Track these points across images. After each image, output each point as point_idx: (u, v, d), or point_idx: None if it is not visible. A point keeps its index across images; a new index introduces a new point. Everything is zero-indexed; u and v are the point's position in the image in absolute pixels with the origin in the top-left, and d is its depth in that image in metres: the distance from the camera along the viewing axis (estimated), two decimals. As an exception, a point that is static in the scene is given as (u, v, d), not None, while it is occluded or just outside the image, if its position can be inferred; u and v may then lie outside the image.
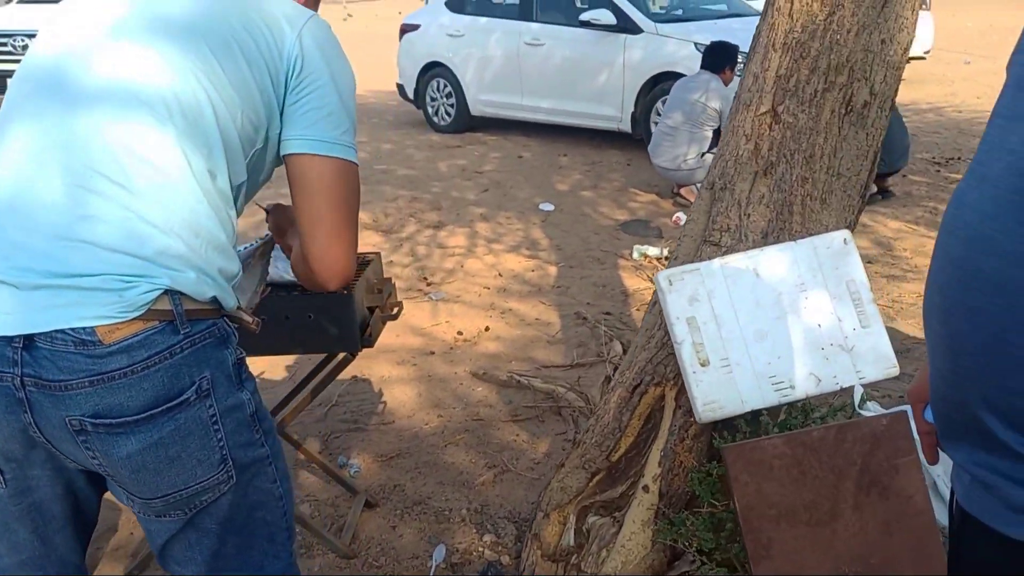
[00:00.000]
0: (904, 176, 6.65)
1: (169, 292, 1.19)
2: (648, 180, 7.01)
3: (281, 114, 1.35)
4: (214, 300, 1.27)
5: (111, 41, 1.27)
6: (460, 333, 4.12)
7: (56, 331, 1.14)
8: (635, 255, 5.21)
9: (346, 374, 3.69)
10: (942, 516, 2.07)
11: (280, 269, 2.26)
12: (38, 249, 1.17)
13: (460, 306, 4.49)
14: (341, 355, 2.40)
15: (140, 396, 1.18)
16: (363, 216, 6.20)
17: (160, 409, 1.19)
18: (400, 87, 10.14)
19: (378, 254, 2.58)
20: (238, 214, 1.40)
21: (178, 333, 1.20)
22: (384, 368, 3.77)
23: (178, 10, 1.30)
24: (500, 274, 4.97)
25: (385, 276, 2.62)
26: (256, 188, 1.47)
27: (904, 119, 6.28)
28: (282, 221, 1.66)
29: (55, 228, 1.17)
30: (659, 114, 7.31)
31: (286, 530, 1.43)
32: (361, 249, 5.54)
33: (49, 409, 1.18)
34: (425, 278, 4.95)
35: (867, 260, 4.94)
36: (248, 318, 1.39)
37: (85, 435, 1.19)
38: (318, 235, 1.35)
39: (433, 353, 3.92)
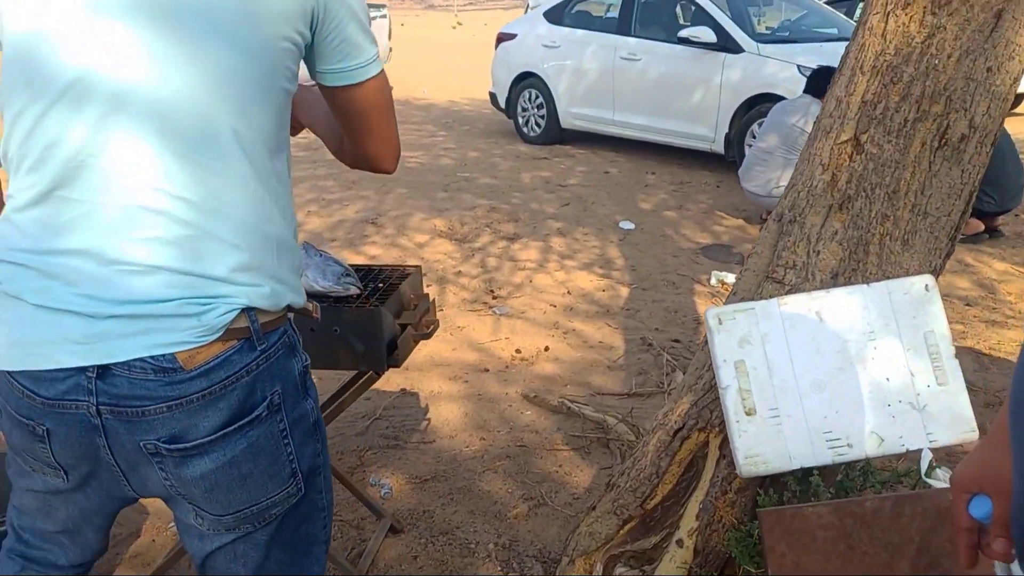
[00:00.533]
0: (1017, 216, 6.19)
1: (246, 310, 1.16)
2: (736, 204, 6.74)
3: (310, 51, 1.29)
4: (287, 307, 1.25)
5: (110, 24, 1.14)
6: (518, 351, 3.98)
7: (135, 360, 1.11)
8: (713, 281, 4.97)
9: (394, 386, 3.60)
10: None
11: (309, 278, 2.17)
12: (101, 276, 1.12)
13: (523, 323, 4.34)
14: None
15: (215, 416, 1.17)
16: (438, 223, 6.14)
17: (233, 428, 1.18)
18: (492, 96, 10.09)
19: (418, 268, 2.46)
20: None
21: (255, 350, 1.18)
22: (435, 382, 3.66)
23: None
24: (569, 292, 4.80)
25: (426, 292, 2.50)
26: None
27: (1021, 155, 5.84)
28: (305, 98, 1.55)
29: (114, 254, 1.11)
30: (754, 137, 7.03)
31: (324, 543, 1.42)
32: (430, 256, 5.45)
33: (124, 435, 1.17)
34: (492, 291, 4.82)
35: (966, 303, 4.58)
36: (310, 307, 1.38)
37: (160, 458, 1.18)
38: (371, 142, 1.40)
39: (487, 371, 3.79)
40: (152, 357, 1.12)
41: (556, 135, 9.27)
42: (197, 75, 1.14)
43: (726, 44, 7.61)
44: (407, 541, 2.53)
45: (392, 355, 2.19)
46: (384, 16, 14.63)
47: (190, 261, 1.13)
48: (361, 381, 2.37)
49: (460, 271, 5.17)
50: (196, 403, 1.15)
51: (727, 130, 7.59)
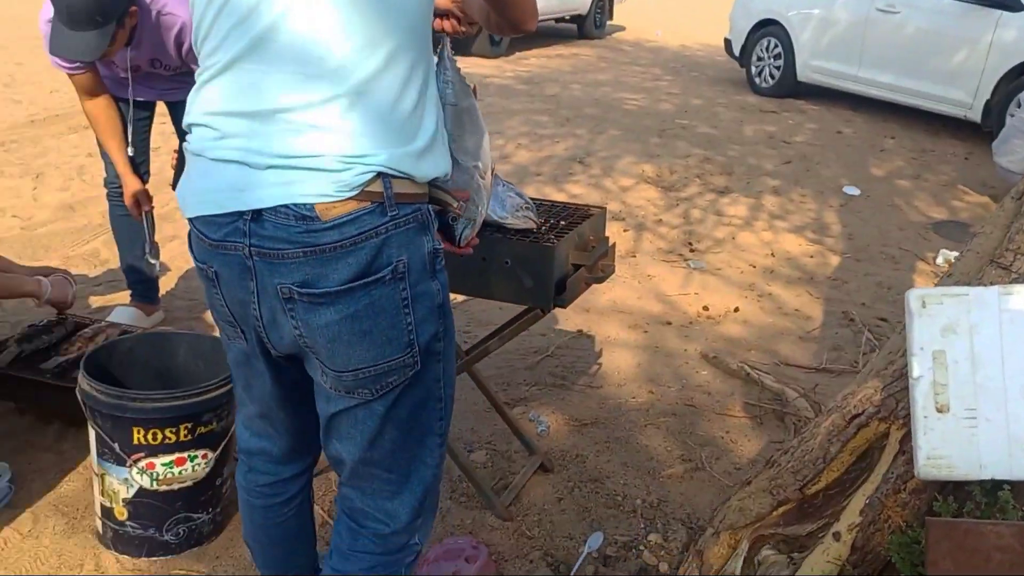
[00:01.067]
0: None
1: (382, 175, 1.26)
2: (984, 180, 6.06)
3: None
4: (427, 190, 1.34)
5: None
6: (706, 308, 3.80)
7: (281, 206, 1.24)
8: (939, 261, 4.51)
9: (571, 326, 3.55)
10: None
11: (489, 207, 2.12)
12: (265, 133, 1.25)
13: (716, 279, 4.14)
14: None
15: (344, 270, 1.26)
16: (647, 168, 5.97)
17: (358, 283, 1.27)
18: (727, 42, 9.62)
19: (603, 210, 2.36)
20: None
21: (385, 215, 1.27)
22: (613, 328, 3.57)
23: None
24: (773, 253, 4.52)
25: (606, 235, 2.39)
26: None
27: None
28: None
29: (284, 114, 1.25)
30: (1019, 107, 6.27)
31: (438, 436, 1.48)
32: (632, 201, 5.31)
33: (266, 277, 1.29)
34: (690, 243, 4.63)
35: None
36: (453, 201, 1.46)
37: (292, 303, 1.29)
38: (515, 10, 1.53)
39: (670, 324, 3.65)
40: (295, 204, 1.24)
41: (790, 88, 8.71)
42: None
43: (1005, 0, 6.79)
44: (554, 482, 2.49)
45: (560, 295, 2.12)
46: (626, -46, 14.27)
47: (340, 125, 1.24)
48: (527, 317, 2.33)
49: (661, 219, 5.00)
50: (328, 253, 1.25)
51: (988, 96, 6.79)
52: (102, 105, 3.00)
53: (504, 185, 2.21)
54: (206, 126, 1.32)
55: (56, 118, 6.39)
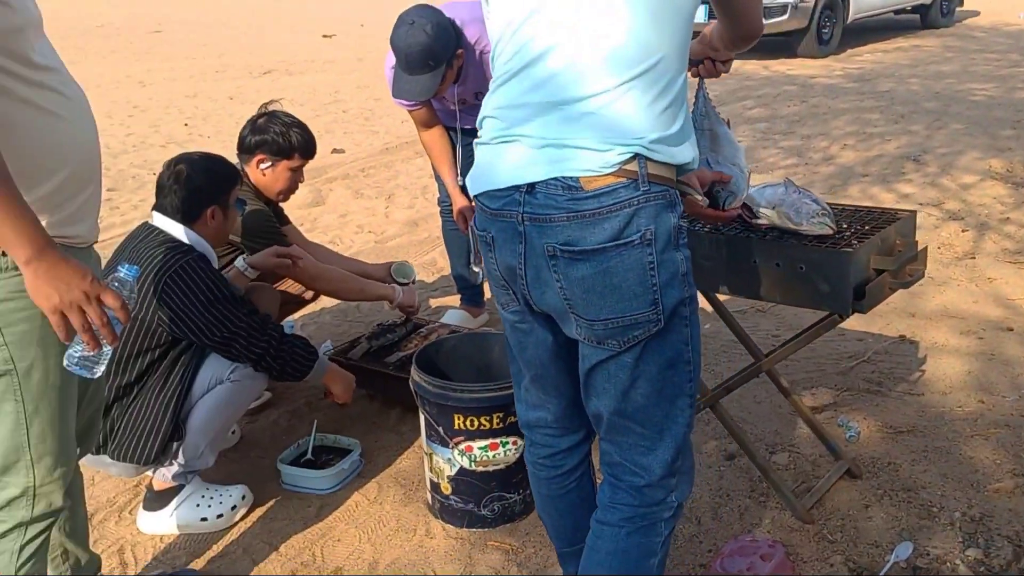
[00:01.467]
0: None
1: (638, 156, 1.46)
2: None
3: None
4: (677, 168, 1.53)
5: None
6: (1057, 314, 3.39)
7: (551, 179, 1.47)
8: None
9: (893, 330, 3.36)
10: None
11: (783, 213, 2.12)
12: (544, 119, 1.50)
13: (1073, 283, 3.67)
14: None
15: (599, 233, 1.46)
16: (994, 164, 5.42)
17: (611, 244, 1.47)
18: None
19: (913, 213, 2.25)
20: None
21: (638, 190, 1.46)
22: (941, 334, 3.31)
23: None
24: None
25: (916, 240, 2.26)
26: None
27: None
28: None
29: (561, 106, 1.49)
30: None
31: (688, 397, 1.62)
32: (974, 199, 4.91)
33: (535, 238, 1.51)
34: (1042, 243, 4.14)
35: None
36: (699, 197, 1.71)
37: (555, 260, 1.50)
38: (747, 23, 1.75)
39: (1011, 330, 3.30)
40: (564, 177, 1.46)
41: None
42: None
43: None
44: (861, 488, 2.38)
45: (860, 300, 2.06)
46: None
47: (608, 114, 1.46)
48: (825, 321, 2.27)
49: (1008, 218, 4.52)
50: (588, 218, 1.46)
51: None
52: (436, 135, 3.39)
53: (800, 192, 2.19)
54: (494, 118, 1.57)
55: (405, 144, 7.21)
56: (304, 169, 2.99)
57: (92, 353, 1.52)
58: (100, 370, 1.55)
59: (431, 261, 4.55)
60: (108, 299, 1.49)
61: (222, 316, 2.33)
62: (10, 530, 1.65)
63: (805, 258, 2.06)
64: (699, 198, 1.72)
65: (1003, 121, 6.55)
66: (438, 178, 3.55)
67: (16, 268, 1.51)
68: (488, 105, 1.61)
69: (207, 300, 2.31)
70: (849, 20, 10.51)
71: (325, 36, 15.07)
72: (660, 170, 1.49)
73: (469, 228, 3.47)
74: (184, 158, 2.49)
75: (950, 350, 3.19)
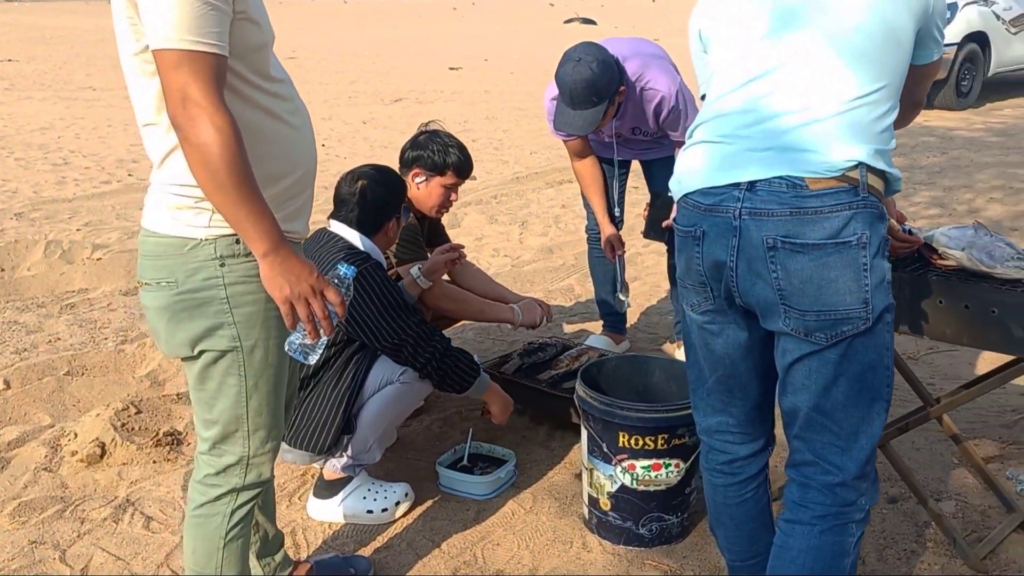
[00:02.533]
0: None
1: (860, 164, 1.58)
2: None
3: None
4: (887, 184, 1.66)
5: None
6: None
7: (776, 177, 1.59)
8: None
9: (1058, 388, 3.22)
10: None
11: (975, 256, 2.09)
12: (773, 129, 1.63)
13: None
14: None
15: (819, 230, 1.57)
16: None
17: (831, 242, 1.57)
18: None
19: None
20: None
21: (858, 195, 1.58)
22: (1112, 396, 3.16)
23: None
24: None
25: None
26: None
27: None
28: None
29: (787, 115, 1.63)
30: None
31: (885, 401, 1.67)
32: None
33: (753, 231, 1.61)
34: None
35: None
36: (895, 212, 1.90)
37: (774, 251, 1.59)
38: (918, 95, 1.91)
39: None
40: (790, 176, 1.58)
41: None
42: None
43: None
44: (1037, 544, 2.30)
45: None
46: None
47: (835, 128, 1.59)
48: (1013, 368, 2.22)
49: None
50: (809, 215, 1.56)
51: None
52: (588, 165, 3.46)
53: (992, 236, 2.16)
54: (710, 122, 1.70)
55: (536, 175, 7.34)
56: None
57: (311, 342, 1.63)
58: (315, 357, 1.65)
59: (568, 288, 4.61)
60: (330, 295, 1.61)
61: (394, 322, 2.42)
62: (224, 494, 1.77)
63: (999, 301, 2.02)
64: (892, 221, 1.82)
65: None
66: (587, 206, 3.61)
67: (247, 255, 1.63)
68: (708, 111, 1.74)
69: (382, 305, 2.42)
70: (990, 73, 10.20)
71: (452, 69, 15.50)
72: (876, 182, 1.61)
73: (616, 257, 3.52)
74: (363, 174, 2.62)
75: (1124, 412, 3.04)
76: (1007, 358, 2.36)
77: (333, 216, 2.59)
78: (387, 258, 2.92)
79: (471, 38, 25.46)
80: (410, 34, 27.50)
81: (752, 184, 1.60)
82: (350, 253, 2.49)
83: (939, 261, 2.14)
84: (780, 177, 1.58)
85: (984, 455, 2.77)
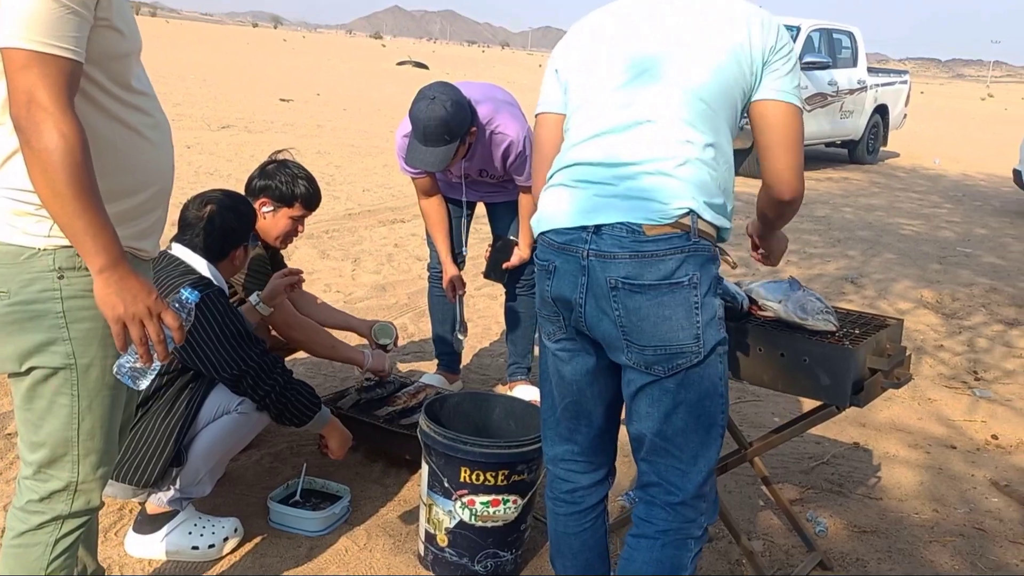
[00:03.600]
0: None
1: (691, 213, 1.72)
2: None
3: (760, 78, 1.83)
4: (717, 231, 1.80)
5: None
6: (995, 437, 3.64)
7: (618, 223, 1.72)
8: None
9: (847, 437, 3.55)
10: None
11: (790, 308, 2.28)
12: (621, 176, 1.76)
13: (1006, 410, 3.95)
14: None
15: (655, 271, 1.71)
16: (926, 294, 5.82)
17: (665, 282, 1.72)
18: (1017, 173, 9.18)
19: (900, 321, 2.44)
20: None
21: (689, 240, 1.72)
22: (892, 445, 3.52)
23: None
24: (1072, 391, 4.24)
25: (903, 345, 2.45)
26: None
27: None
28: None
29: (632, 166, 1.76)
30: None
31: (721, 427, 1.83)
32: (911, 325, 5.19)
33: (599, 272, 1.74)
34: (975, 372, 4.45)
35: None
36: (729, 258, 1.96)
37: (616, 291, 1.73)
38: (778, 159, 1.84)
39: (954, 448, 3.54)
40: (629, 223, 1.71)
41: (1090, 223, 8.12)
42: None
43: None
44: (834, 580, 2.51)
45: (857, 394, 2.21)
46: (905, 83, 14.03)
47: (668, 174, 1.73)
48: (820, 413, 2.42)
49: (942, 345, 4.84)
50: (646, 258, 1.71)
51: None
52: (435, 203, 3.51)
53: (804, 290, 2.37)
54: (568, 167, 1.84)
55: (368, 212, 7.31)
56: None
57: (142, 366, 1.56)
58: (145, 383, 1.58)
59: (401, 326, 4.60)
60: (168, 318, 1.55)
61: (235, 352, 2.35)
62: (48, 522, 1.65)
63: (810, 351, 2.21)
64: (731, 261, 1.99)
65: (930, 256, 7.04)
66: (430, 244, 3.65)
67: (88, 269, 1.55)
68: (564, 157, 1.86)
69: (223, 334, 2.34)
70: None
71: (283, 100, 15.21)
72: (706, 228, 1.76)
73: (456, 297, 3.57)
74: (212, 198, 2.54)
75: (901, 460, 3.39)
76: (811, 406, 2.58)
77: (176, 239, 2.49)
78: (231, 287, 2.83)
79: (302, 71, 25.07)
80: (238, 60, 26.70)
81: (598, 228, 1.73)
82: (194, 280, 2.39)
83: (758, 312, 2.33)
84: (621, 223, 1.72)
85: (788, 498, 3.00)
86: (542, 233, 1.85)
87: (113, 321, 1.51)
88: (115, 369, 1.56)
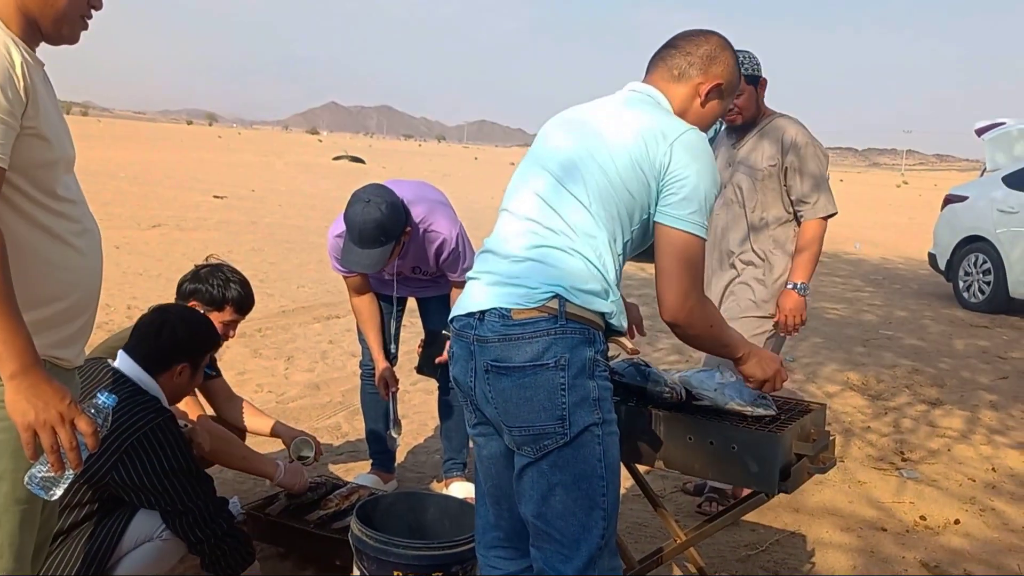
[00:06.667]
0: None
1: (558, 297, 1.78)
2: None
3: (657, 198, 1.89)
4: (599, 314, 1.83)
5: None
6: (923, 518, 3.71)
7: (492, 308, 1.81)
8: None
9: (783, 524, 3.58)
10: None
11: (726, 395, 2.32)
12: (500, 262, 1.87)
13: (933, 491, 4.04)
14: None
15: (522, 354, 1.77)
16: (852, 376, 5.97)
17: (529, 365, 1.77)
18: (932, 257, 9.59)
19: (823, 406, 2.51)
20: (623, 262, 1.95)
21: (556, 323, 1.77)
22: (825, 530, 3.56)
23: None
24: (994, 468, 4.36)
25: (827, 430, 2.52)
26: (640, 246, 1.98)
27: None
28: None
29: (515, 253, 1.86)
30: None
31: (602, 509, 1.82)
32: (838, 407, 5.29)
33: (479, 356, 1.82)
34: (902, 452, 4.56)
35: None
36: (628, 344, 2.05)
37: (488, 374, 1.81)
38: (661, 281, 1.88)
39: (885, 530, 3.59)
40: (500, 308, 1.80)
41: (1002, 304, 8.51)
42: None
43: None
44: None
45: (784, 481, 2.25)
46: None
47: (541, 263, 1.81)
48: (751, 501, 2.45)
49: (869, 427, 4.96)
50: (513, 341, 1.77)
51: None
52: (367, 301, 3.53)
53: (737, 377, 2.42)
54: (482, 253, 1.94)
55: (303, 309, 7.26)
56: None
57: (54, 475, 1.52)
58: (58, 493, 1.55)
59: (335, 425, 4.54)
60: (81, 424, 1.52)
61: (181, 488, 2.29)
62: None
63: (738, 438, 2.24)
64: (628, 346, 2.05)
65: (855, 339, 7.26)
66: (362, 341, 3.64)
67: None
68: (481, 247, 1.99)
69: (172, 468, 2.28)
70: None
71: (216, 197, 15.18)
72: (579, 311, 1.80)
73: (390, 394, 3.56)
74: (167, 308, 2.52)
75: (835, 545, 3.43)
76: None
77: (126, 348, 2.43)
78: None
79: (237, 167, 25.08)
80: (172, 158, 26.62)
81: (482, 314, 1.83)
82: (143, 403, 2.31)
83: (696, 403, 2.36)
84: (494, 308, 1.80)
85: (725, 587, 3.00)
86: (449, 320, 1.95)
87: (23, 428, 1.48)
88: (26, 479, 1.52)
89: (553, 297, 1.77)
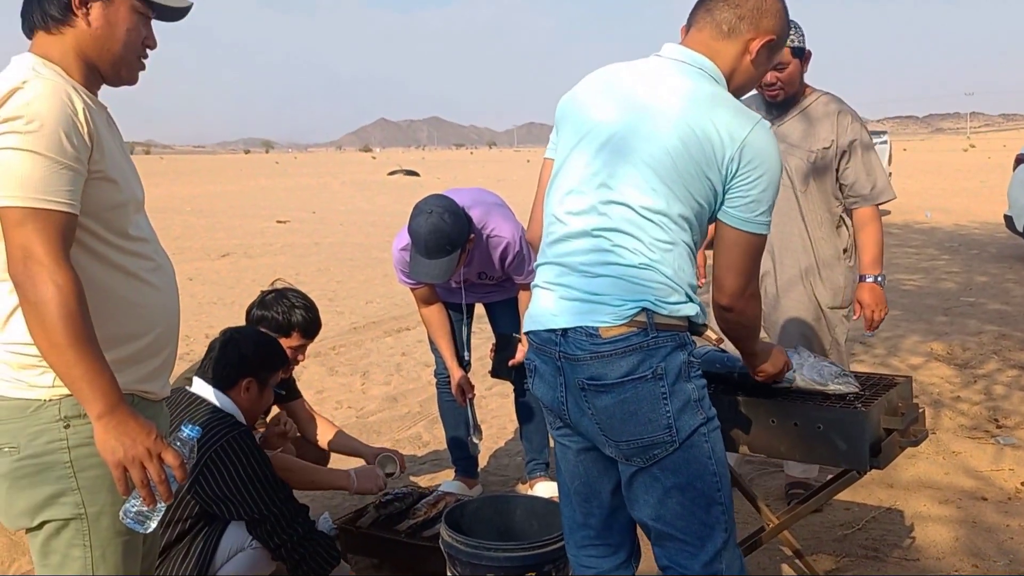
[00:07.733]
0: None
1: (646, 310, 1.75)
2: None
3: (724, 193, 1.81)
4: (686, 318, 1.79)
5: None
6: (1024, 484, 3.59)
7: (577, 327, 1.78)
8: None
9: (877, 501, 3.49)
10: None
11: (806, 375, 2.29)
12: (577, 277, 1.81)
13: (1033, 456, 3.90)
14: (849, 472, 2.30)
15: (617, 370, 1.75)
16: (936, 347, 5.80)
17: (627, 379, 1.75)
18: (1008, 219, 9.26)
19: (908, 379, 2.45)
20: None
21: (647, 335, 1.75)
22: (922, 504, 3.46)
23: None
24: (1096, 430, 4.19)
25: (915, 402, 2.45)
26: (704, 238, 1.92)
27: None
28: None
29: (589, 268, 1.81)
30: None
31: (720, 504, 1.82)
32: (924, 379, 5.16)
33: (570, 373, 1.80)
34: (996, 419, 4.41)
35: None
36: (713, 336, 1.96)
37: (585, 392, 1.79)
38: (722, 270, 1.85)
39: (985, 499, 3.48)
40: (586, 326, 1.76)
41: (1088, 259, 8.15)
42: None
43: None
44: (882, 651, 2.44)
45: (876, 456, 2.20)
46: (884, 143, 14.30)
47: (619, 277, 1.76)
48: (842, 479, 2.40)
49: (959, 396, 4.81)
50: (607, 357, 1.75)
51: None
52: (436, 311, 3.55)
53: (815, 356, 2.37)
54: (545, 267, 1.89)
55: (373, 324, 7.36)
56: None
57: (147, 508, 1.56)
58: (152, 525, 1.58)
59: (415, 435, 4.59)
60: (168, 457, 1.56)
61: (258, 496, 2.35)
62: None
63: (823, 417, 2.20)
64: (714, 337, 1.99)
65: (935, 308, 7.05)
66: (435, 351, 3.67)
67: None
68: (545, 254, 1.91)
69: (248, 477, 2.34)
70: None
71: (279, 222, 15.50)
72: (667, 320, 1.77)
73: (467, 400, 3.58)
74: (235, 329, 2.59)
75: (934, 518, 3.33)
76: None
77: (197, 371, 2.52)
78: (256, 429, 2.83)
79: (296, 191, 25.55)
80: (233, 188, 27.25)
81: (564, 332, 1.79)
82: (220, 420, 2.40)
83: (778, 385, 2.32)
84: (579, 327, 1.77)
85: (824, 568, 2.94)
86: (526, 332, 1.92)
87: (114, 466, 1.53)
88: (121, 515, 1.57)
89: (641, 311, 1.74)
